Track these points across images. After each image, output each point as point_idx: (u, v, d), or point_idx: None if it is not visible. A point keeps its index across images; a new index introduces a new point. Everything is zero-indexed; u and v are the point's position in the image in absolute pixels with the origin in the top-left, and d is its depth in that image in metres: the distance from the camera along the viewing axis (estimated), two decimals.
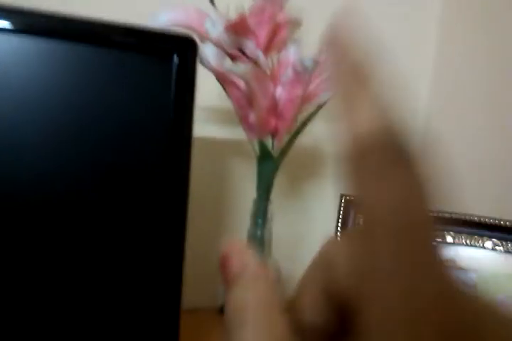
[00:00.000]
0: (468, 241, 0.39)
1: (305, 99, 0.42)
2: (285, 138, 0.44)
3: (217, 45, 0.41)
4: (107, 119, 0.37)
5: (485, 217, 0.38)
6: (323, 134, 0.67)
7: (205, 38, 0.41)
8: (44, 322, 0.36)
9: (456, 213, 0.40)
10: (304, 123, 0.44)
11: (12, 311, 0.36)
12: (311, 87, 0.42)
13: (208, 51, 0.42)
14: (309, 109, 0.44)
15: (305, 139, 0.64)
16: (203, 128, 0.60)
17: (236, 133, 0.59)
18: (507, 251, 0.37)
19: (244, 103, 0.42)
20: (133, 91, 0.38)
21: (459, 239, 0.39)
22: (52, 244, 0.36)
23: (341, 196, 0.45)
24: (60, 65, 0.36)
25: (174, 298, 0.40)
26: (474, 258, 0.38)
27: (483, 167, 0.57)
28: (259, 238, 0.44)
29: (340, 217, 0.44)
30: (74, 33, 0.37)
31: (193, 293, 0.61)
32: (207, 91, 0.53)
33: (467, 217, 0.39)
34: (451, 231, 0.40)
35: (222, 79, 0.43)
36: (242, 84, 0.42)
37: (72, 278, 0.37)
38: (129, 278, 0.38)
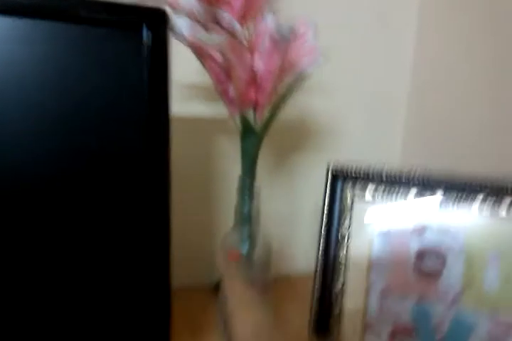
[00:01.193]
0: (457, 201, 0.39)
1: (284, 69, 0.41)
2: (267, 111, 0.43)
3: (191, 16, 0.39)
4: (77, 98, 0.36)
5: (474, 177, 0.38)
6: (308, 106, 0.66)
7: (177, 10, 0.40)
8: (32, 303, 0.36)
9: (444, 173, 0.39)
10: (285, 95, 0.43)
11: None
12: (291, 56, 0.41)
13: (181, 23, 0.40)
14: (291, 79, 0.43)
15: (289, 112, 0.63)
16: (184, 106, 0.58)
17: (218, 110, 0.58)
18: (494, 210, 0.37)
19: (222, 76, 0.41)
20: (104, 68, 0.37)
21: (447, 199, 0.39)
22: (37, 228, 0.35)
23: (328, 167, 0.45)
24: (26, 42, 0.34)
25: (163, 277, 0.40)
26: (463, 217, 0.38)
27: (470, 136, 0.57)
28: (247, 215, 0.44)
29: (328, 189, 0.44)
30: (40, 9, 0.35)
31: (188, 271, 0.61)
32: (186, 67, 0.51)
33: (456, 177, 0.39)
34: (440, 191, 0.39)
35: (199, 52, 0.41)
36: (219, 56, 0.41)
37: (59, 263, 0.36)
38: (115, 259, 0.38)
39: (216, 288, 0.57)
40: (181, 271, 0.55)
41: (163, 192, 0.40)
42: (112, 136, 0.37)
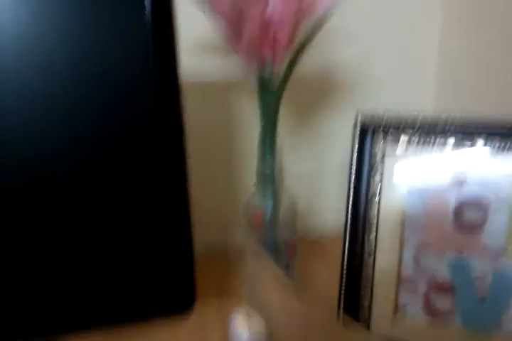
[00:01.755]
0: (502, 146, 0.35)
1: (301, 13, 0.37)
2: (284, 64, 0.40)
3: None
4: (78, 65, 0.34)
5: None
6: (330, 55, 0.61)
7: None
8: (57, 269, 0.37)
9: (485, 119, 0.36)
10: (304, 43, 0.39)
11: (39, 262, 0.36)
12: None
13: None
14: (309, 26, 0.39)
15: (310, 63, 0.59)
16: (197, 69, 0.56)
17: (233, 71, 0.55)
18: None
19: (233, 27, 0.38)
20: (105, 31, 0.35)
21: (491, 144, 0.35)
22: (64, 199, 0.35)
23: (356, 117, 0.41)
24: (32, 4, 0.32)
25: (185, 241, 0.39)
26: (506, 167, 0.35)
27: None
28: (270, 174, 0.42)
29: (356, 142, 0.41)
30: None
31: (212, 235, 0.61)
32: (195, 28, 0.48)
33: (498, 123, 0.35)
34: (481, 139, 0.36)
35: (207, 6, 0.38)
36: (228, 8, 0.37)
37: (84, 233, 0.36)
38: (137, 226, 0.38)
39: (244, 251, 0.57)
40: (206, 236, 0.55)
41: (179, 158, 0.39)
42: (119, 105, 0.36)
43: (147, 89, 0.36)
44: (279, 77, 0.40)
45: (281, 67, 0.40)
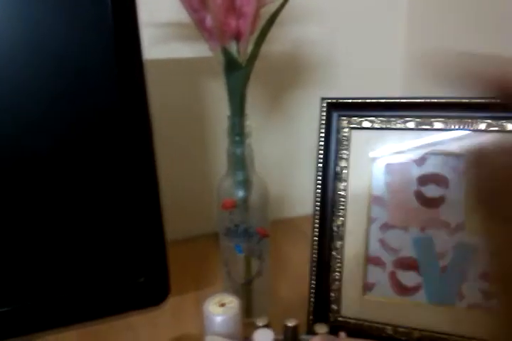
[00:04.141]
0: (460, 126, 0.36)
1: None
2: (251, 41, 0.39)
3: None
4: (36, 48, 0.32)
5: (475, 98, 0.35)
6: (300, 35, 0.61)
7: None
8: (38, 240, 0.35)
9: (444, 97, 0.36)
10: (271, 20, 0.38)
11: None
12: None
13: None
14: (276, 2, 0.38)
15: (279, 44, 0.59)
16: (163, 48, 0.54)
17: (200, 49, 0.53)
18: (502, 130, 0.34)
19: (196, 4, 0.37)
20: (61, 14, 0.33)
21: (449, 125, 0.36)
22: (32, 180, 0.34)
23: (322, 100, 0.41)
24: None
25: (156, 228, 0.38)
26: (468, 142, 0.36)
27: None
28: (240, 156, 0.42)
29: (323, 120, 0.41)
30: None
31: (187, 221, 0.61)
32: (157, 4, 0.46)
33: (456, 100, 0.36)
34: (440, 117, 0.37)
35: None
36: None
37: (54, 217, 0.35)
38: (105, 214, 0.37)
39: (217, 236, 0.57)
40: (181, 221, 0.54)
41: (145, 141, 0.38)
42: (83, 89, 0.34)
43: (108, 68, 0.35)
44: (246, 55, 0.39)
45: (248, 45, 0.39)
